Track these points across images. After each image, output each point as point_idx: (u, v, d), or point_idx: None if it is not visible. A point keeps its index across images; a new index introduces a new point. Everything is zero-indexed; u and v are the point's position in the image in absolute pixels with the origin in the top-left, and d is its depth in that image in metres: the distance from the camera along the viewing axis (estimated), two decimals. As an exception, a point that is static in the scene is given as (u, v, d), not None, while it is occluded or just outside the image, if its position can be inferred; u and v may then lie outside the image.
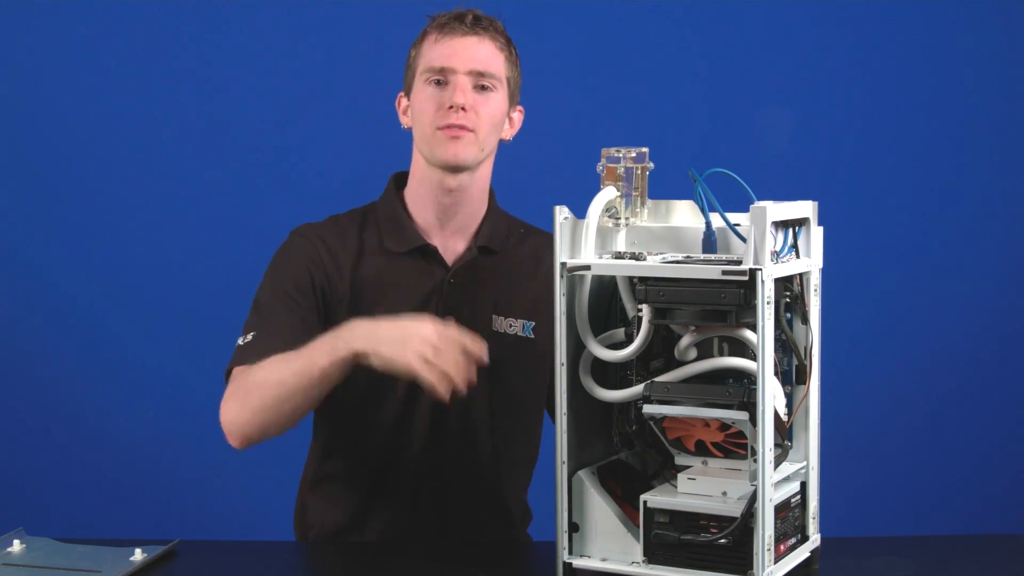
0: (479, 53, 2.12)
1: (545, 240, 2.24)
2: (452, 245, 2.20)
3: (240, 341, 2.12)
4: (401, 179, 2.25)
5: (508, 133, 2.21)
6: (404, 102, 2.21)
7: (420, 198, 2.19)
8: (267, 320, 2.12)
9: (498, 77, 2.14)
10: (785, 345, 1.81)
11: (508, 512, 2.27)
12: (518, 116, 2.23)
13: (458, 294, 2.17)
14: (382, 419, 2.17)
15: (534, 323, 2.21)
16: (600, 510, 1.84)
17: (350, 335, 1.93)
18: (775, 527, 1.73)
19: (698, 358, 1.79)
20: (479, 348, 1.88)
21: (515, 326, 2.20)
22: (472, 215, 2.21)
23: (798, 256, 1.82)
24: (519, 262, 2.24)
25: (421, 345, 1.85)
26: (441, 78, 2.12)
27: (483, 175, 2.20)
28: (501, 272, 2.21)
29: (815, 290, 1.84)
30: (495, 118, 2.15)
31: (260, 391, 2.01)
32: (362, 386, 2.15)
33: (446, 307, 2.15)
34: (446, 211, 2.18)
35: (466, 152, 2.12)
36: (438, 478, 2.20)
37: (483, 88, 2.13)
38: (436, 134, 2.11)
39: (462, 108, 2.09)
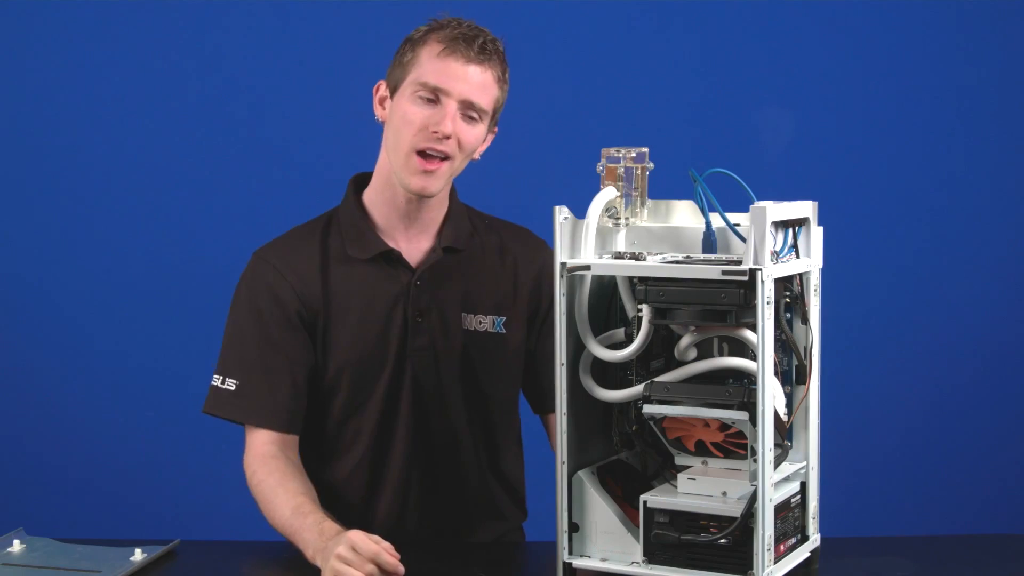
0: (477, 84, 2.08)
1: (510, 235, 2.27)
2: (416, 246, 2.18)
3: (218, 383, 2.15)
4: (361, 181, 2.22)
5: (477, 153, 2.17)
6: (383, 91, 2.15)
7: (384, 199, 2.17)
8: (251, 369, 2.14)
9: (487, 111, 2.10)
10: (785, 345, 1.81)
11: (495, 503, 2.27)
12: (490, 138, 2.19)
13: (425, 296, 2.16)
14: (363, 428, 2.18)
15: (504, 318, 2.21)
16: (600, 510, 1.84)
17: (316, 547, 1.93)
18: (775, 527, 1.73)
19: (698, 358, 1.79)
20: (393, 563, 1.84)
21: (485, 323, 2.20)
22: (434, 215, 2.19)
23: (798, 256, 1.82)
24: (484, 257, 2.23)
25: (335, 561, 1.84)
26: (432, 97, 2.07)
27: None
28: (467, 270, 2.21)
29: (815, 290, 1.84)
30: (472, 147, 2.12)
31: (261, 504, 2.09)
32: (341, 402, 2.17)
33: (415, 309, 2.15)
34: (408, 215, 2.17)
35: (435, 185, 2.10)
36: (425, 479, 2.20)
37: (470, 117, 2.09)
38: (411, 159, 2.08)
39: (446, 137, 2.07)
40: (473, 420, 2.21)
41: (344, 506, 2.19)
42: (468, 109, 2.08)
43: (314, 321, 2.15)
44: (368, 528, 2.17)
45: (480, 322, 2.20)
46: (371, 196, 2.19)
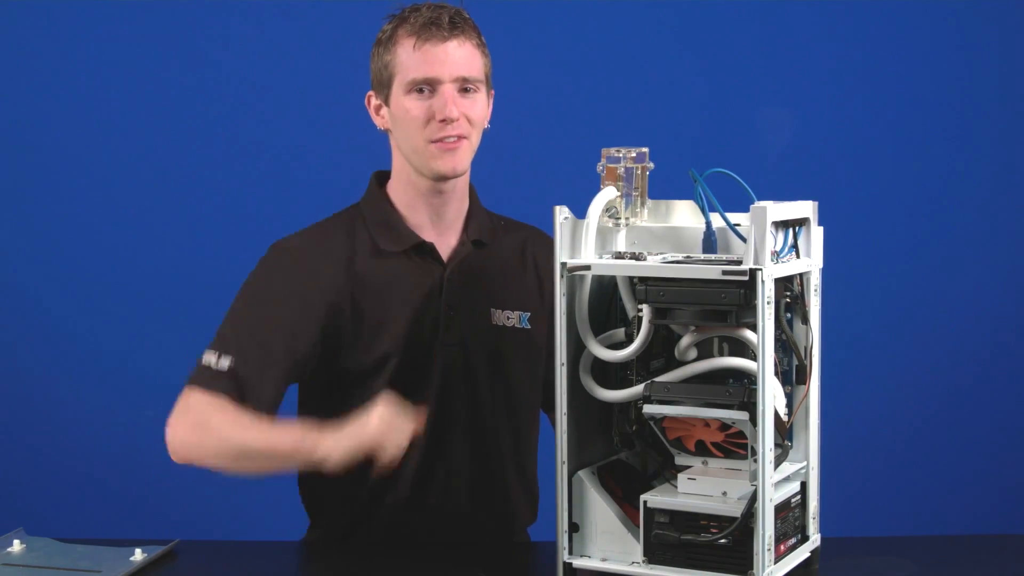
0: (461, 58, 2.09)
1: (527, 234, 2.29)
2: (444, 240, 2.20)
3: (212, 360, 2.04)
4: (383, 177, 2.23)
5: (486, 121, 2.19)
6: (375, 101, 2.17)
7: (410, 199, 2.18)
8: (247, 352, 2.05)
9: (480, 78, 2.13)
10: (785, 345, 1.81)
11: (513, 503, 2.26)
12: (491, 100, 2.20)
13: (458, 290, 2.17)
14: None
15: (529, 314, 2.22)
16: (600, 510, 1.84)
17: (317, 439, 1.93)
18: (775, 527, 1.73)
19: (698, 358, 1.79)
20: (414, 426, 1.93)
21: (512, 318, 2.21)
22: (460, 209, 2.21)
23: (798, 256, 1.82)
24: (508, 254, 2.25)
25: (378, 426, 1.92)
26: (425, 87, 2.09)
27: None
28: (493, 265, 2.22)
29: (815, 290, 1.84)
30: (482, 117, 2.15)
31: (219, 442, 1.99)
32: (368, 397, 2.11)
33: (448, 304, 2.16)
34: (437, 210, 2.18)
35: (463, 162, 2.13)
36: (447, 475, 2.20)
37: (466, 90, 2.11)
38: (429, 148, 2.10)
39: (454, 120, 2.08)
40: (500, 416, 2.21)
41: (358, 499, 2.18)
42: (463, 84, 2.10)
43: (340, 314, 2.12)
44: (380, 524, 2.17)
45: (508, 317, 2.21)
46: (396, 195, 2.20)
